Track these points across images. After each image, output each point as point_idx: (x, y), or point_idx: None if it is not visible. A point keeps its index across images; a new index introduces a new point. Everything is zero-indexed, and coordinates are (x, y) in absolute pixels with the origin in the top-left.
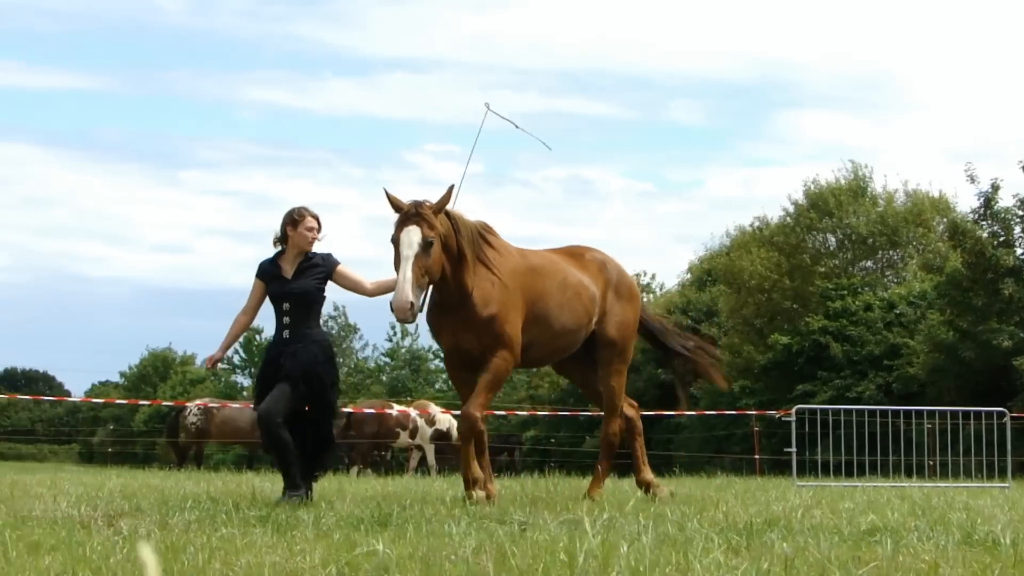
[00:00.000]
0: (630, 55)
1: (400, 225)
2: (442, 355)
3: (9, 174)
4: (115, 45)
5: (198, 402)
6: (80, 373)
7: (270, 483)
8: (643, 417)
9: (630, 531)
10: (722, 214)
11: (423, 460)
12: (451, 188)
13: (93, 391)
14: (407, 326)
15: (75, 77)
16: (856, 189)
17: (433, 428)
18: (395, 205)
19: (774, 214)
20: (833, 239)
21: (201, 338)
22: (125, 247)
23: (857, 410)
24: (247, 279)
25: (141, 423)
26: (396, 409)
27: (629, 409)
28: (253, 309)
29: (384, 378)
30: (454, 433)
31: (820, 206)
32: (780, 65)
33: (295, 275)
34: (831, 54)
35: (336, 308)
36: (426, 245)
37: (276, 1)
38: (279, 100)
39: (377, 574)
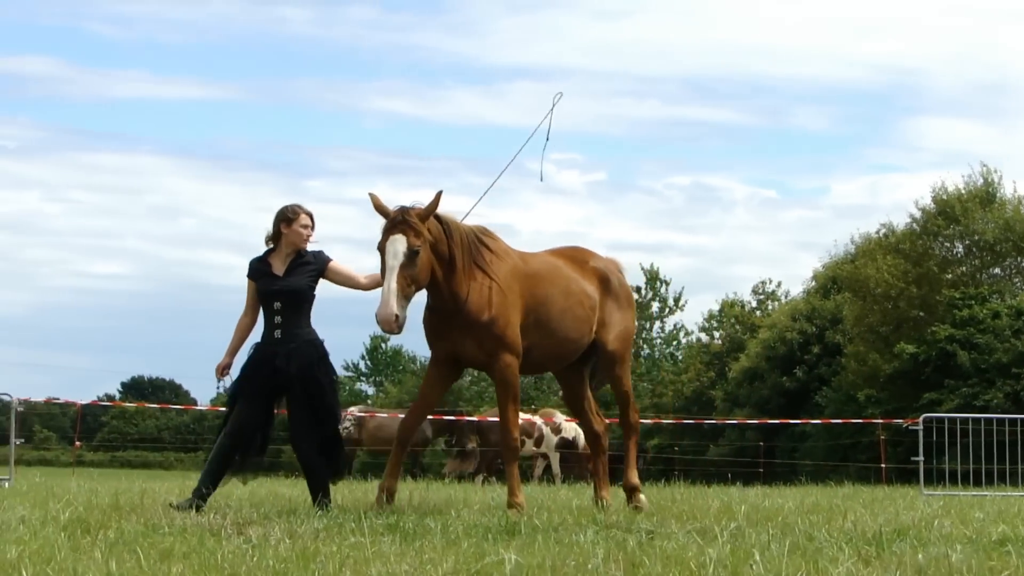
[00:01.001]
0: (753, 62)
1: (386, 233)
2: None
3: (138, 184)
4: (242, 55)
5: (350, 410)
6: (206, 381)
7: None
8: (769, 425)
9: (759, 540)
10: (847, 221)
11: (547, 468)
12: (439, 193)
13: (219, 399)
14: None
15: (203, 87)
16: (984, 195)
17: (559, 436)
18: (381, 211)
19: (900, 221)
20: (960, 246)
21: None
22: (251, 256)
23: (985, 418)
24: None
25: None
26: (521, 418)
27: (599, 424)
28: (253, 309)
29: None
30: (580, 441)
31: (948, 212)
32: (906, 71)
33: (286, 273)
34: (957, 59)
35: None
36: (411, 254)
37: (400, 11)
38: (402, 109)
39: None
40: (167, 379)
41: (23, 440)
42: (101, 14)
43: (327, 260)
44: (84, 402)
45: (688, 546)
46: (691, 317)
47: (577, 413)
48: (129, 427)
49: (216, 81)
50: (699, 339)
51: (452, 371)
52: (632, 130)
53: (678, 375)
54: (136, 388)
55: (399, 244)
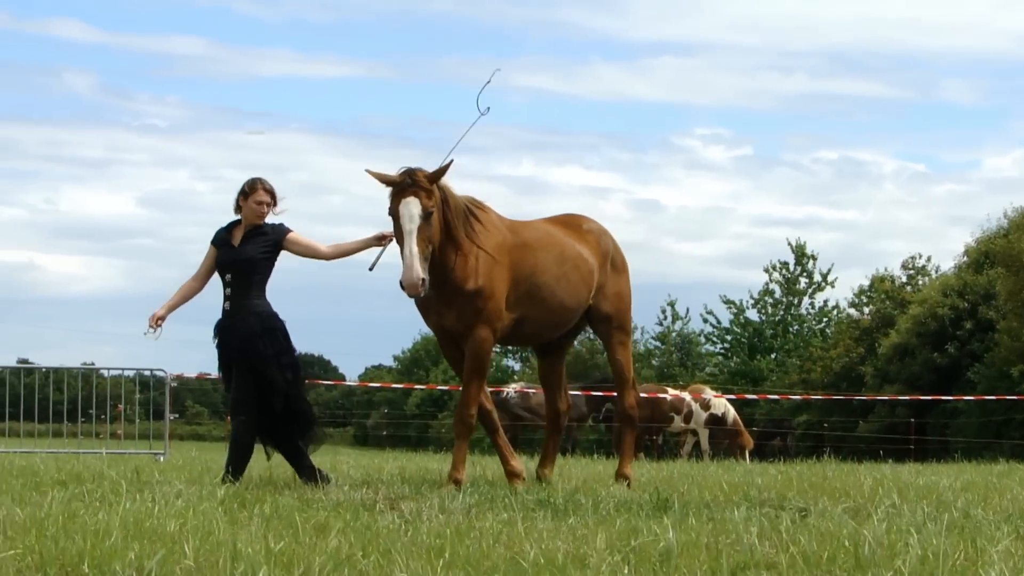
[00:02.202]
0: (900, 34)
1: (397, 197)
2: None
3: (285, 161)
4: (386, 33)
5: (514, 386)
6: (354, 357)
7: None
8: (920, 402)
9: (914, 519)
10: (998, 195)
11: (696, 444)
12: (450, 162)
13: (367, 375)
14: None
15: (347, 65)
16: None
17: (708, 412)
18: (385, 181)
19: None
20: None
21: None
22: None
23: None
24: None
25: (414, 406)
26: (670, 393)
27: (563, 403)
28: (203, 276)
29: (654, 362)
30: (730, 417)
31: None
32: None
33: (240, 245)
34: None
35: None
36: (427, 216)
37: None
38: (546, 85)
39: (662, 561)
40: (316, 355)
41: (177, 415)
42: None
43: (285, 232)
44: None
45: (844, 524)
46: (840, 293)
47: (547, 387)
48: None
49: (361, 59)
50: (848, 315)
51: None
52: (778, 105)
53: (827, 351)
54: None
55: (414, 207)
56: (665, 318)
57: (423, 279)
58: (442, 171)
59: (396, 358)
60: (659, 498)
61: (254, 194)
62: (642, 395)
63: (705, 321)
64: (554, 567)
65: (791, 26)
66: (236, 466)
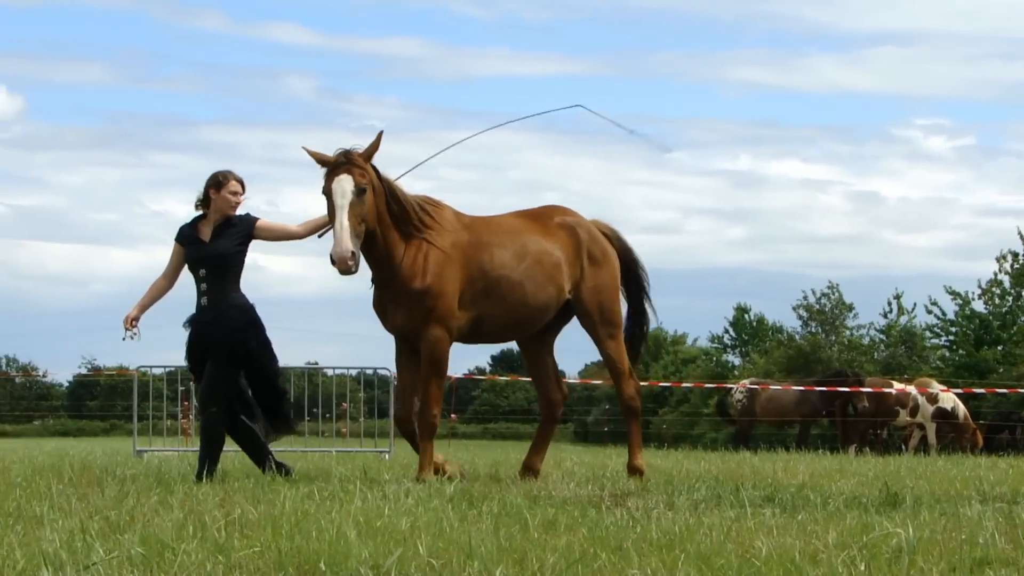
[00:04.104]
0: None
1: (330, 175)
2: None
3: (502, 160)
4: (602, 30)
5: (743, 383)
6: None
7: (770, 463)
8: None
9: None
10: None
11: (923, 439)
12: (380, 134)
13: (587, 371)
14: None
15: (563, 63)
16: None
17: (935, 406)
18: (320, 160)
19: None
20: None
21: (691, 317)
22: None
23: None
24: (736, 259)
25: None
26: (895, 387)
27: (556, 393)
28: (171, 274)
29: (877, 356)
30: (959, 412)
31: None
32: None
33: (211, 239)
34: None
35: (830, 285)
36: (359, 192)
37: None
38: (763, 79)
39: (896, 557)
40: None
41: None
42: None
43: (253, 220)
44: (458, 375)
45: None
46: None
47: (536, 379)
48: (500, 399)
49: (576, 56)
50: None
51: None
52: (1002, 93)
53: None
54: (506, 361)
55: (346, 183)
56: (890, 311)
57: (352, 252)
58: (374, 148)
59: None
60: (888, 493)
61: (227, 185)
62: (867, 390)
63: (929, 312)
64: (788, 563)
65: (1014, 13)
66: (211, 460)
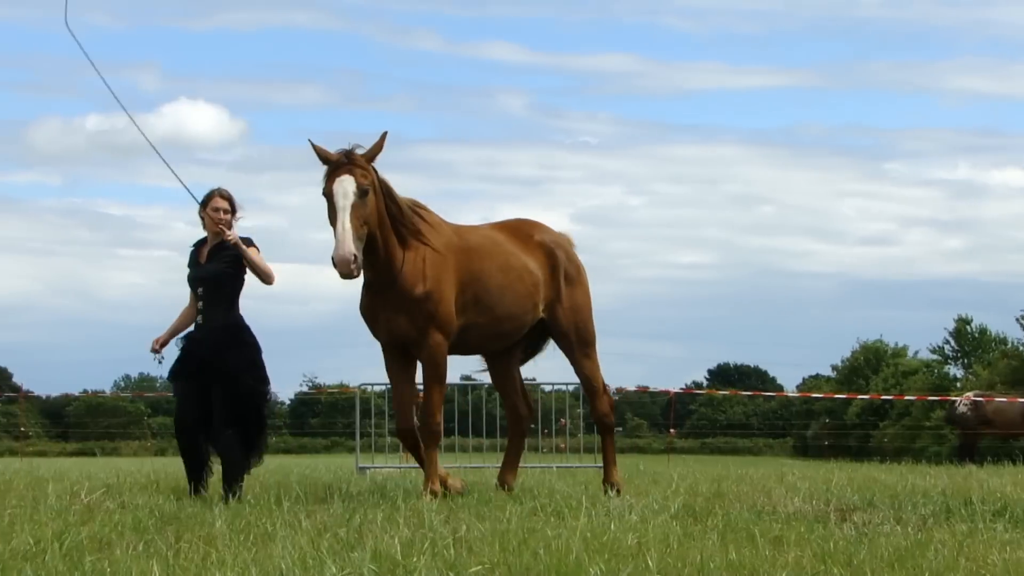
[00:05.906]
0: None
1: (331, 176)
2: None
3: (717, 173)
4: (815, 41)
5: (968, 395)
6: (791, 367)
7: (998, 477)
8: None
9: None
10: None
11: None
12: (384, 135)
13: (805, 385)
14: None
15: (777, 75)
16: None
17: None
18: (323, 157)
19: None
20: None
21: (912, 328)
22: (831, 240)
23: None
24: (955, 269)
25: (854, 416)
26: None
27: (523, 408)
28: (195, 298)
29: None
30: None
31: None
32: None
33: (207, 259)
34: None
35: None
36: (362, 193)
37: None
38: (981, 87)
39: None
40: (752, 366)
41: (619, 428)
42: (676, 8)
43: (248, 245)
44: (676, 390)
45: None
46: None
47: (504, 393)
48: (717, 414)
49: (790, 68)
50: None
51: (407, 354)
52: None
53: None
54: (722, 375)
55: (348, 184)
56: None
57: (355, 255)
58: (377, 148)
59: (834, 367)
60: None
61: (212, 202)
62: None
63: None
64: None
65: None
66: (197, 477)
